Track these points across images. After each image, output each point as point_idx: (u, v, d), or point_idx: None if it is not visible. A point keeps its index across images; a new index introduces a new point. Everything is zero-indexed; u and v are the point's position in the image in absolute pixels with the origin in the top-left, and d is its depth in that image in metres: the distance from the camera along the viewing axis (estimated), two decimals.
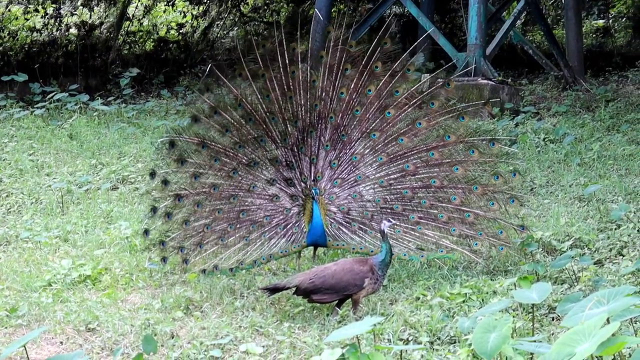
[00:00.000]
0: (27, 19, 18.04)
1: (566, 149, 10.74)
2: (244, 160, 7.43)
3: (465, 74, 12.64)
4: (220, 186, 7.39)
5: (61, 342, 6.21)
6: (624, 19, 19.77)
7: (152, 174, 7.55)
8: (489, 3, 14.54)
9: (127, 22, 18.43)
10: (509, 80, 13.39)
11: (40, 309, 6.72)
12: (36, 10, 17.94)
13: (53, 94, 14.31)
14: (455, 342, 5.83)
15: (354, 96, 7.40)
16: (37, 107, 13.79)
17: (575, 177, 9.78)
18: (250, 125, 7.44)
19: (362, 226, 7.41)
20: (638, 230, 7.79)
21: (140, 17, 18.84)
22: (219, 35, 19.15)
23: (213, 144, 7.40)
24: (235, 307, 6.67)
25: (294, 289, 6.45)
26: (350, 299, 6.44)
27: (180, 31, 18.77)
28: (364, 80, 7.38)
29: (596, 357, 4.12)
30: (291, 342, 5.95)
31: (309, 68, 7.43)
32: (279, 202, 7.45)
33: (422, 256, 7.31)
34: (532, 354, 4.89)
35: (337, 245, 7.40)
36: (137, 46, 18.49)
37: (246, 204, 7.43)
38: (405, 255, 7.30)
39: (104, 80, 16.81)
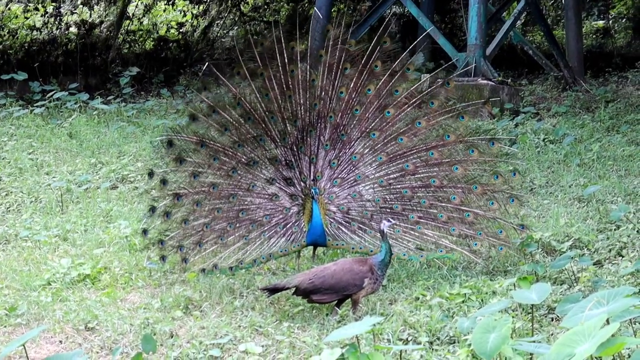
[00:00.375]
0: (27, 18, 18.03)
1: (566, 149, 10.74)
2: (243, 160, 7.42)
3: (465, 74, 12.64)
4: (219, 185, 7.39)
5: (60, 341, 6.20)
6: (624, 19, 19.77)
7: (151, 174, 7.54)
8: (489, 3, 14.54)
9: (127, 21, 18.43)
10: (509, 80, 13.39)
11: (39, 308, 6.71)
12: (36, 9, 17.93)
13: (53, 92, 14.31)
14: (454, 343, 5.83)
15: (353, 95, 7.40)
16: (37, 106, 13.79)
17: (575, 177, 9.78)
18: (249, 124, 7.44)
19: (361, 226, 7.40)
20: (637, 231, 7.79)
21: (140, 16, 18.84)
22: (219, 34, 19.14)
23: (212, 143, 7.39)
24: (234, 306, 6.66)
25: (294, 289, 6.45)
26: (349, 299, 6.43)
27: (180, 30, 18.77)
28: (364, 79, 7.37)
29: (596, 357, 4.11)
30: (290, 342, 5.94)
31: (308, 67, 7.42)
32: (278, 201, 7.45)
33: (421, 256, 7.31)
34: (531, 354, 4.88)
35: (337, 244, 7.39)
36: (137, 45, 18.48)
37: (245, 203, 7.42)
38: (404, 255, 7.29)
39: (103, 79, 16.80)
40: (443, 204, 7.34)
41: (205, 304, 6.75)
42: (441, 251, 7.29)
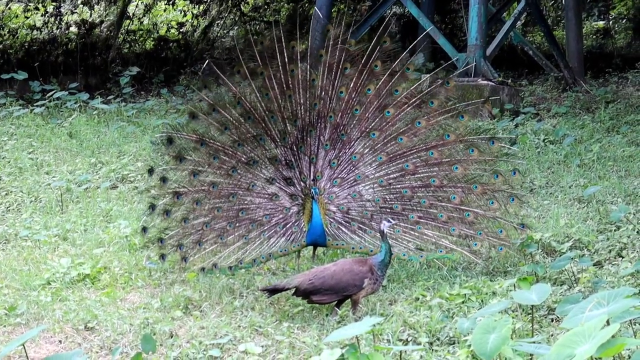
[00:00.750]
0: (27, 17, 18.03)
1: (566, 150, 10.74)
2: (243, 159, 7.42)
3: (465, 74, 12.64)
4: (219, 184, 7.38)
5: (60, 341, 6.20)
6: (624, 20, 19.77)
7: (150, 171, 7.54)
8: (489, 4, 14.53)
9: (128, 21, 18.43)
10: (509, 81, 13.38)
11: (39, 307, 6.71)
12: (36, 9, 17.93)
13: (53, 92, 14.31)
14: (454, 343, 5.82)
15: (353, 95, 7.39)
16: (37, 106, 13.79)
17: (575, 178, 9.77)
18: (249, 123, 7.43)
19: (361, 226, 7.40)
20: (637, 232, 7.79)
21: (141, 16, 18.84)
22: (219, 34, 19.14)
23: (212, 141, 7.38)
24: (234, 306, 6.66)
25: (294, 289, 6.44)
26: (349, 300, 6.43)
27: (181, 30, 18.77)
28: (364, 79, 7.37)
29: (596, 358, 4.11)
30: (290, 342, 5.94)
31: (308, 67, 7.42)
32: (278, 201, 7.44)
33: (421, 256, 7.30)
34: (531, 355, 4.88)
35: (337, 244, 7.39)
36: (137, 45, 18.48)
37: (245, 202, 7.42)
38: (404, 255, 7.29)
39: (103, 79, 16.80)
40: (443, 204, 7.33)
41: (205, 304, 6.75)
42: (441, 251, 7.29)
